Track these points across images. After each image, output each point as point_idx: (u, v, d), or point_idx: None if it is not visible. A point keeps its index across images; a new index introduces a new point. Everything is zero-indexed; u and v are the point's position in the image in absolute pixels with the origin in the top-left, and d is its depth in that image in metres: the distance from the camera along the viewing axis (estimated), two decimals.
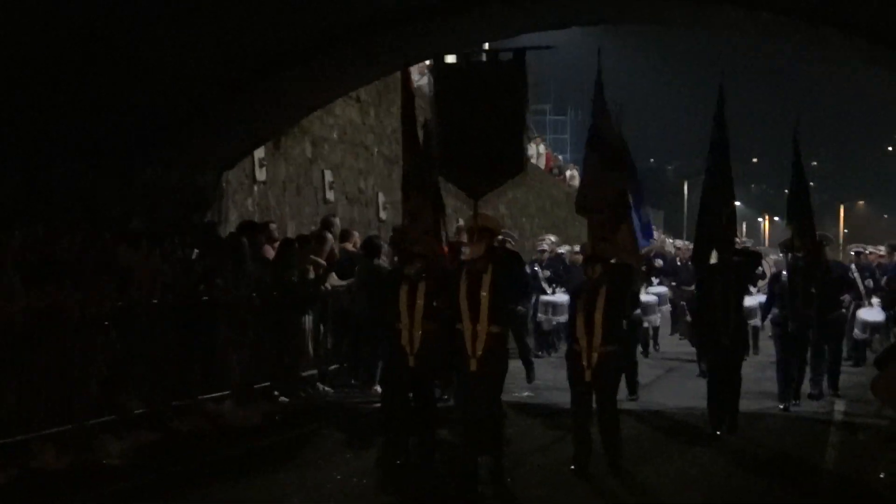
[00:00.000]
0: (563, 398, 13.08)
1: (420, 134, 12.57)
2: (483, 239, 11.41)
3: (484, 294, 11.16)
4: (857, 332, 21.23)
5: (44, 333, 11.95)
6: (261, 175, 19.64)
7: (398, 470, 11.79)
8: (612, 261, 12.04)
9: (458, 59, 12.73)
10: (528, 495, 11.06)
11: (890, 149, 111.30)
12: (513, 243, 18.57)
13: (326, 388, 16.82)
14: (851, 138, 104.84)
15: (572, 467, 11.55)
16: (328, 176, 21.84)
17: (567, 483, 11.34)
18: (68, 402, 12.21)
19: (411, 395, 12.28)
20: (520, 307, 18.63)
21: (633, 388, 16.59)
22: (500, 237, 16.48)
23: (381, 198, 23.78)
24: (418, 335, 11.91)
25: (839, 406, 16.60)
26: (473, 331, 11.19)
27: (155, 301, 13.70)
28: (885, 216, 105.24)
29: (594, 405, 11.82)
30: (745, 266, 14.75)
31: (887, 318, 20.92)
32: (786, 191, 16.45)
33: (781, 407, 16.04)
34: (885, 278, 21.05)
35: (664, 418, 15.43)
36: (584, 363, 11.58)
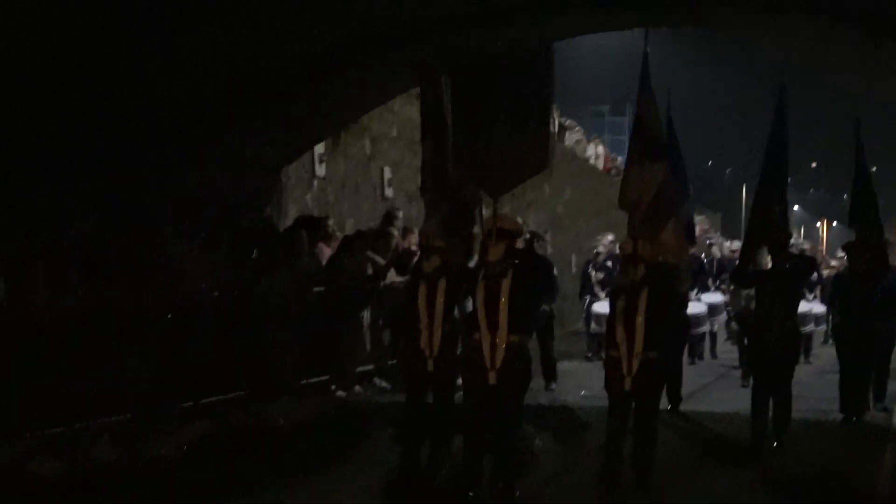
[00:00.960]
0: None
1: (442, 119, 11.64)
2: (502, 241, 10.47)
3: (503, 301, 10.33)
4: None
5: (97, 329, 12.04)
6: (320, 171, 19.72)
7: (408, 486, 11.05)
8: (656, 260, 11.16)
9: (479, 48, 11.81)
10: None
11: None
12: (541, 245, 17.93)
13: (383, 384, 16.89)
14: None
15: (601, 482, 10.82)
16: (387, 173, 21.88)
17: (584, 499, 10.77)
18: (121, 398, 12.33)
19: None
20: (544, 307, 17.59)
21: (675, 399, 15.81)
22: (527, 237, 16.07)
23: None
24: (438, 337, 11.12)
25: None
26: (492, 341, 10.34)
27: (209, 298, 13.84)
28: None
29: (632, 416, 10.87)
30: (798, 272, 13.90)
31: None
32: (845, 196, 15.82)
33: (842, 419, 15.28)
34: None
35: (707, 431, 14.68)
36: (624, 371, 10.60)
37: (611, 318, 10.99)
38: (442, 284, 11.16)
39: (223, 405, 13.80)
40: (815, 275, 20.66)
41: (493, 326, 10.33)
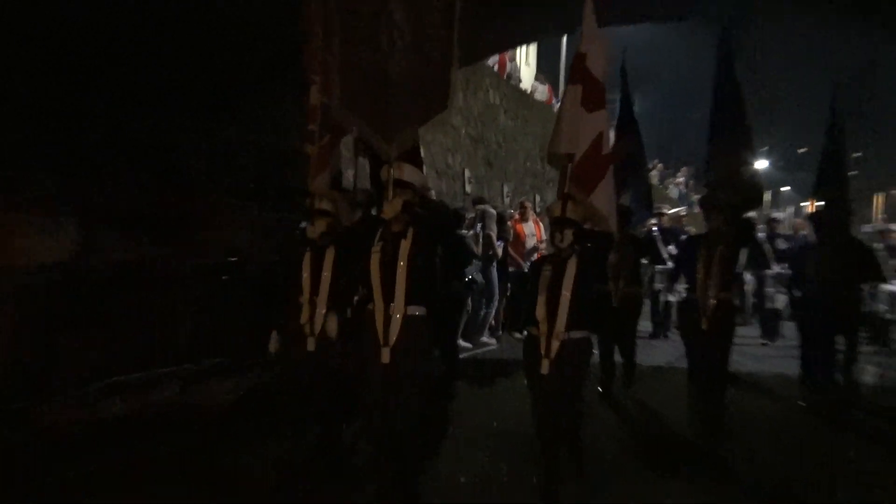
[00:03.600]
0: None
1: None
2: (400, 194, 8.85)
3: (401, 265, 8.67)
4: (881, 307, 17.87)
5: (126, 287, 11.90)
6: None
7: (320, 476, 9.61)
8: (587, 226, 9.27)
9: None
10: None
11: None
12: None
13: None
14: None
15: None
16: None
17: None
18: (152, 357, 12.26)
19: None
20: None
21: (613, 381, 13.77)
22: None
23: (467, 173, 24.29)
24: (321, 314, 9.52)
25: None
26: (386, 314, 8.72)
27: (235, 259, 13.72)
28: None
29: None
30: (731, 235, 11.54)
31: None
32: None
33: (801, 403, 13.54)
34: None
35: (661, 422, 12.53)
36: (542, 352, 8.77)
37: (532, 290, 9.08)
38: (330, 254, 9.67)
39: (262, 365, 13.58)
40: (773, 243, 19.88)
41: (388, 297, 8.76)
